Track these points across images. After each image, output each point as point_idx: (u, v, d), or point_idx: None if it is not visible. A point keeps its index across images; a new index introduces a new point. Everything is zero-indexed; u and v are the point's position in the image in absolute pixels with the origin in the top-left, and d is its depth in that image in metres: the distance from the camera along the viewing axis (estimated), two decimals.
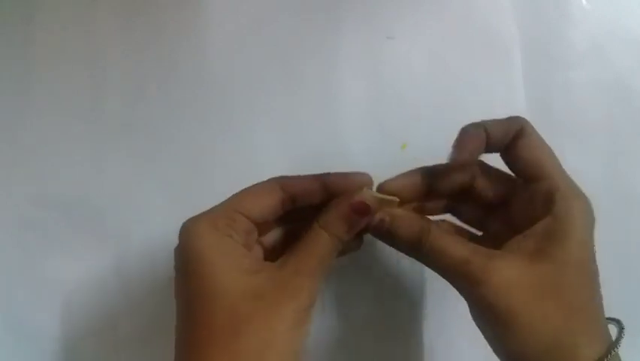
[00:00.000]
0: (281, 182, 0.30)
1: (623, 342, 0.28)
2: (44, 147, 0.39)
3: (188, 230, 0.28)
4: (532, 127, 0.31)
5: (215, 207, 0.29)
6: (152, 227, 0.39)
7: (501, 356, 0.29)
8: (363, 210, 0.29)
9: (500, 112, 0.36)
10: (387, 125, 0.40)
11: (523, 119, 0.31)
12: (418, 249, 0.30)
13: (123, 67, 0.40)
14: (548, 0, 0.43)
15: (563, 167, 0.31)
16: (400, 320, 0.39)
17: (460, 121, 0.41)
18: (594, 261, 0.29)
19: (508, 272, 0.28)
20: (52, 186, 0.39)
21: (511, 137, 0.31)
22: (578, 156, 0.41)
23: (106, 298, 0.38)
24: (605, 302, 0.29)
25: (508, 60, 0.42)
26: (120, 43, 0.40)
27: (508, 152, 0.31)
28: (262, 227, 0.31)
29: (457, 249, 0.29)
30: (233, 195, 0.30)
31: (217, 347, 0.26)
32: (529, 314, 0.27)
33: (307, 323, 0.28)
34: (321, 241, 0.29)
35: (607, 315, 0.30)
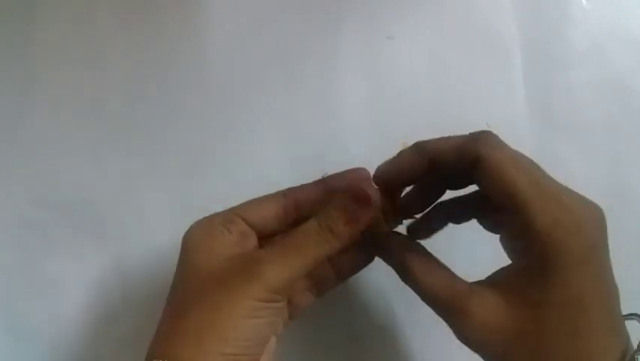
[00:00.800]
0: (284, 190, 0.31)
1: None
2: (44, 147, 0.39)
3: (190, 227, 0.29)
4: (494, 145, 0.26)
5: (219, 211, 0.30)
6: (152, 227, 0.39)
7: None
8: (362, 197, 0.28)
9: (500, 112, 0.36)
10: (387, 125, 0.40)
11: (482, 140, 0.27)
12: (403, 280, 0.29)
13: (123, 67, 0.40)
14: (548, 0, 0.43)
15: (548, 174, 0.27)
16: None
17: (460, 121, 0.41)
18: (601, 283, 0.26)
19: (490, 316, 0.26)
20: (52, 186, 0.39)
21: (466, 165, 0.27)
22: (577, 156, 0.41)
23: (106, 298, 0.38)
24: None
25: (508, 60, 0.42)
26: (120, 43, 0.40)
27: (473, 180, 0.28)
28: (265, 234, 0.31)
29: (434, 287, 0.28)
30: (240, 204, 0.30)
31: (169, 324, 0.27)
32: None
33: (265, 315, 0.27)
34: (304, 232, 0.28)
35: None
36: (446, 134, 0.37)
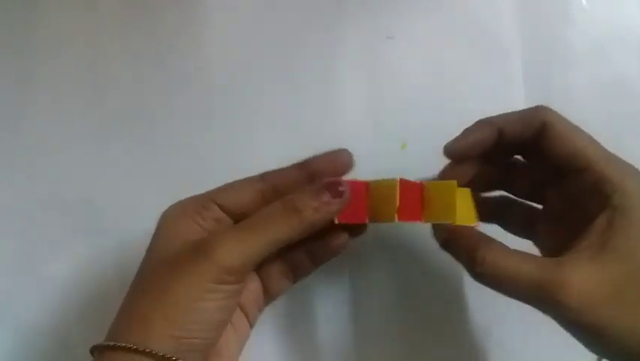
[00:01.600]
0: (262, 174, 0.30)
1: None
2: (44, 146, 0.39)
3: (164, 211, 0.29)
4: (559, 115, 0.29)
5: (194, 195, 0.30)
6: (152, 227, 0.38)
7: (596, 354, 0.28)
8: (336, 189, 0.28)
9: (501, 111, 0.36)
10: (387, 125, 0.40)
11: (545, 109, 0.29)
12: (477, 274, 0.28)
13: (123, 67, 0.40)
14: (548, 0, 0.43)
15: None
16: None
17: (460, 121, 0.41)
18: None
19: (579, 287, 0.26)
20: (52, 186, 0.39)
21: (532, 132, 0.29)
22: None
23: (106, 298, 0.38)
24: None
25: (508, 60, 0.42)
26: (120, 42, 0.40)
27: (534, 149, 0.29)
28: (242, 219, 0.29)
29: (521, 271, 0.27)
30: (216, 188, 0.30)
31: (124, 308, 0.28)
32: (614, 328, 0.26)
33: (217, 297, 0.26)
34: (265, 213, 0.28)
35: None
36: (446, 134, 0.37)
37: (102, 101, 0.40)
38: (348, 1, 0.41)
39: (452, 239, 0.29)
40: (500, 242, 0.28)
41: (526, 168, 0.32)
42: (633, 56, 0.42)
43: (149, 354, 0.25)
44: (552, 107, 0.41)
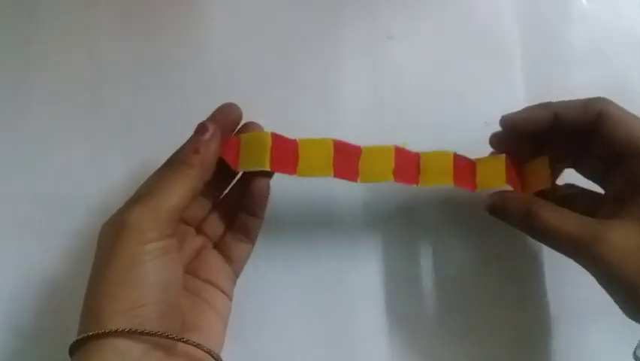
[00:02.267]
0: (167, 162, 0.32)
1: None
2: (44, 147, 0.39)
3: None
4: (616, 105, 0.31)
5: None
6: None
7: (630, 316, 0.30)
8: (201, 128, 0.31)
9: (500, 112, 0.36)
10: (387, 125, 0.40)
11: (603, 99, 0.32)
12: (530, 226, 0.32)
13: (123, 67, 0.40)
14: (548, 0, 0.43)
15: None
16: None
17: (460, 121, 0.41)
18: None
19: (619, 243, 0.29)
20: (52, 186, 0.39)
21: (591, 119, 0.31)
22: None
23: None
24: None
25: (508, 60, 0.42)
26: (120, 42, 0.40)
27: (592, 136, 0.32)
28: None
29: (566, 225, 0.30)
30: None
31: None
32: None
33: (145, 260, 0.28)
34: (161, 174, 0.31)
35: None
36: (446, 135, 0.37)
37: (101, 101, 0.40)
38: (348, 1, 0.41)
39: (508, 199, 0.33)
40: (550, 202, 0.32)
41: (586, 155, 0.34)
42: (633, 56, 0.43)
43: (105, 335, 0.26)
44: None
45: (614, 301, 0.30)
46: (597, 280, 0.30)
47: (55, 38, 0.40)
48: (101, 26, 0.40)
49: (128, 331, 0.26)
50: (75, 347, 0.28)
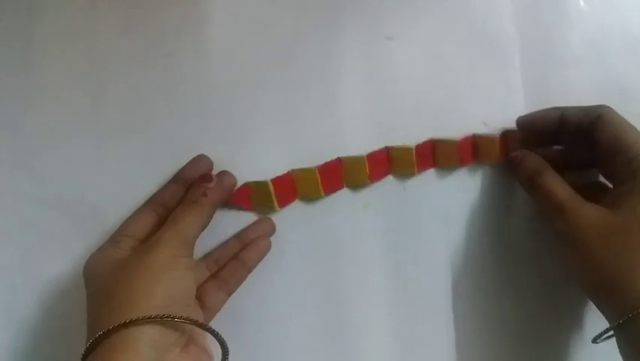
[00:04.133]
0: (149, 200, 0.38)
1: None
2: (44, 147, 0.39)
3: (86, 261, 0.35)
4: (614, 112, 0.36)
5: (109, 237, 0.36)
6: None
7: (575, 280, 0.36)
8: (207, 178, 0.37)
9: (500, 112, 0.36)
10: (387, 125, 0.41)
11: (604, 107, 0.37)
12: (532, 183, 0.37)
13: (123, 67, 0.40)
14: (547, 1, 0.43)
15: None
16: None
17: (460, 121, 0.41)
18: None
19: (591, 217, 0.34)
20: (52, 186, 0.39)
21: (590, 120, 0.36)
22: None
23: None
24: None
25: (507, 60, 0.42)
26: (120, 42, 0.40)
27: (589, 134, 0.36)
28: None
29: (559, 193, 0.36)
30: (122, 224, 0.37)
31: (94, 315, 0.33)
32: (602, 252, 0.33)
33: (180, 268, 0.33)
34: (176, 211, 0.35)
35: None
36: (446, 135, 0.37)
37: (102, 101, 0.40)
38: (347, 1, 0.41)
39: (528, 156, 0.39)
40: (559, 175, 0.37)
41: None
42: (631, 56, 0.43)
43: (139, 321, 0.30)
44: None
45: (574, 277, 0.36)
46: (560, 245, 0.36)
47: (55, 38, 0.40)
48: (101, 26, 0.40)
49: (161, 316, 0.30)
50: (96, 342, 0.31)
